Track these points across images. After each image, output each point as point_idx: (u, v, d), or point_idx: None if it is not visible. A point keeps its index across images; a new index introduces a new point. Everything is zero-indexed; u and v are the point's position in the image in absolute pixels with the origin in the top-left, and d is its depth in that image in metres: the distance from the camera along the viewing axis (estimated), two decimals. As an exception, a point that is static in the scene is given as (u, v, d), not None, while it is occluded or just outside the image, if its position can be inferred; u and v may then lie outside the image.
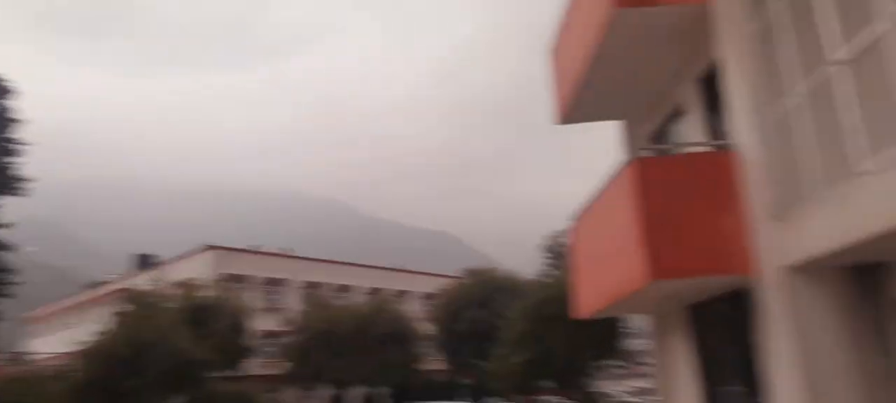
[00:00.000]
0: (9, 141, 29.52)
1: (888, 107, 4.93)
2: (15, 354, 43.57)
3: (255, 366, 34.09)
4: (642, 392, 31.53)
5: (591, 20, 8.61)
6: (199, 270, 35.83)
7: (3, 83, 29.89)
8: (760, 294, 6.73)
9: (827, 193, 5.70)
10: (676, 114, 9.72)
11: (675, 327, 9.78)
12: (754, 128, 6.73)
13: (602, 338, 23.41)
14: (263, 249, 45.62)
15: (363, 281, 46.87)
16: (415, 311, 43.38)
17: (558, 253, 26.31)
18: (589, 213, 9.19)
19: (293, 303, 40.57)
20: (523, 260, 36.23)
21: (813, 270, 6.18)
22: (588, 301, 9.58)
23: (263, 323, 35.71)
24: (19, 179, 29.48)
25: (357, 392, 37.47)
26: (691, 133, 9.11)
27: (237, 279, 38.61)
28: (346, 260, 49.35)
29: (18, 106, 30.18)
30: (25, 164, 29.93)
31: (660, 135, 10.42)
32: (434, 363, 38.94)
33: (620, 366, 32.01)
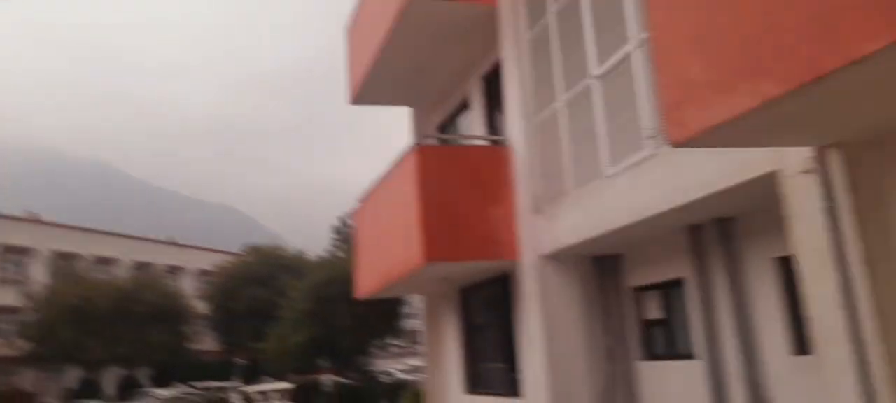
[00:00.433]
0: None
1: (630, 120, 5.71)
2: None
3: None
4: (416, 370, 33.03)
5: (387, 5, 8.72)
6: None
7: None
8: (519, 279, 7.42)
9: (578, 191, 6.45)
10: (463, 108, 10.27)
11: (447, 308, 10.39)
12: (525, 127, 7.38)
13: (384, 318, 24.04)
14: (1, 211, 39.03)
15: (129, 253, 42.42)
16: (189, 288, 40.43)
17: (346, 233, 26.40)
18: (373, 196, 9.34)
19: (38, 276, 35.38)
20: (313, 240, 35.73)
21: (561, 259, 6.98)
22: (369, 281, 9.76)
23: (-2, 297, 30.68)
24: None
25: (113, 374, 33.93)
26: (474, 126, 9.70)
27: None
28: (106, 230, 44.25)
29: None
30: None
31: (447, 126, 10.94)
32: (207, 343, 36.74)
33: (399, 345, 33.21)
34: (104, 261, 40.08)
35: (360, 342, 24.52)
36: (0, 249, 35.28)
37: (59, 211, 48.47)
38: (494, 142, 8.33)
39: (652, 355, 6.60)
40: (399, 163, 8.05)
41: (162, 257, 44.47)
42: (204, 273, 43.41)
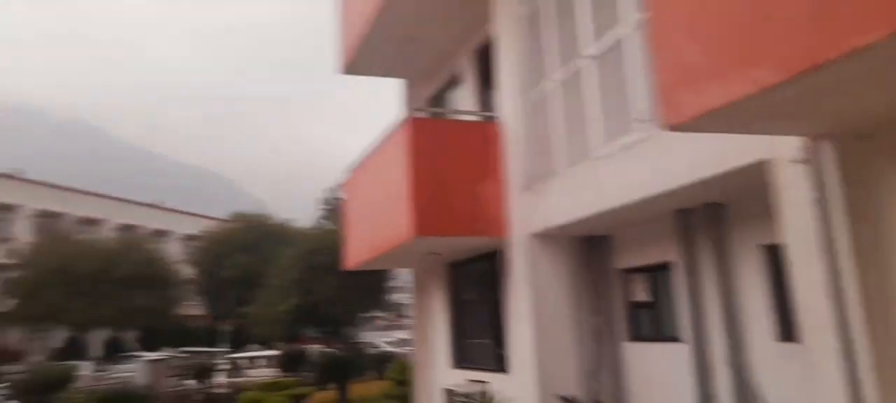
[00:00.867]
0: None
1: (622, 102, 5.68)
2: None
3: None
4: (403, 343, 33.29)
5: (381, -27, 8.57)
6: None
7: None
8: (508, 256, 7.43)
9: (569, 171, 6.44)
10: (454, 82, 10.18)
11: (435, 282, 10.41)
12: (517, 104, 7.32)
13: (370, 291, 24.12)
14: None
15: (114, 215, 42.16)
16: (175, 253, 40.28)
17: (334, 204, 26.32)
18: (364, 167, 9.27)
19: (23, 234, 35.08)
20: (300, 209, 35.57)
21: (551, 238, 6.98)
22: (357, 252, 9.74)
23: (-21, 255, 30.42)
24: None
25: (99, 336, 33.91)
26: (466, 101, 9.63)
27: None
28: (92, 190, 43.83)
29: None
30: None
31: (438, 99, 10.85)
32: (192, 308, 36.73)
33: (385, 318, 33.42)
34: (88, 222, 39.84)
35: (345, 312, 24.62)
36: (-19, 206, 34.93)
37: (42, 169, 47.78)
38: (486, 118, 8.27)
39: (638, 336, 6.66)
40: (390, 135, 7.98)
41: (147, 220, 44.24)
42: (190, 238, 43.25)
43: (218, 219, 43.47)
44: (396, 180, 7.60)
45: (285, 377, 21.99)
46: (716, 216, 5.57)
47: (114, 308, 30.18)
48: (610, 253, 6.98)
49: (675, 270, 6.06)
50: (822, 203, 3.70)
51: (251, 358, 28.01)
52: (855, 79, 2.69)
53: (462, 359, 9.42)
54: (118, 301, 30.23)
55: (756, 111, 3.03)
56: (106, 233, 38.55)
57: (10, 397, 18.55)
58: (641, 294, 6.66)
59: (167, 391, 20.87)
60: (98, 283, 29.66)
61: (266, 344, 30.43)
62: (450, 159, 7.54)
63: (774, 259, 4.89)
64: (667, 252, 6.13)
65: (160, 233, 43.77)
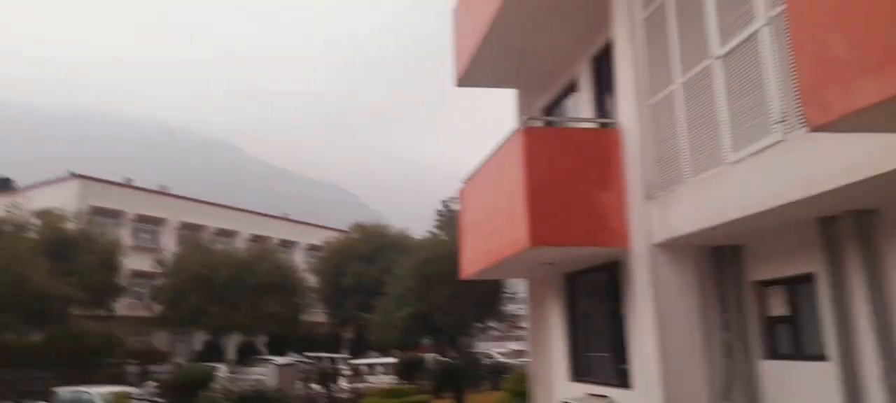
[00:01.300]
0: None
1: (754, 104, 5.33)
2: None
3: (122, 307, 32.29)
4: (517, 354, 33.07)
5: (496, -16, 8.62)
6: (62, 200, 33.05)
7: None
8: (629, 267, 7.17)
9: (695, 179, 6.12)
10: (570, 89, 10.03)
11: (551, 293, 10.27)
12: (637, 110, 7.07)
13: (484, 301, 24.21)
14: (137, 184, 42.80)
15: (246, 227, 45.33)
16: (299, 262, 42.64)
17: (449, 215, 26.73)
18: (479, 177, 9.35)
19: (168, 244, 38.58)
20: (415, 220, 36.51)
21: (676, 248, 6.66)
22: (472, 261, 9.82)
23: (134, 263, 33.76)
24: None
25: (233, 339, 36.53)
26: (582, 109, 9.45)
27: (106, 213, 36.06)
28: (228, 204, 47.43)
29: None
30: None
31: (553, 108, 10.74)
32: (316, 315, 38.65)
33: (499, 329, 33.37)
34: (224, 233, 43.07)
35: (458, 322, 24.87)
36: (135, 218, 38.78)
37: (184, 185, 52.36)
38: (604, 125, 8.07)
39: (776, 354, 6.18)
40: (505, 145, 7.99)
41: (275, 231, 47.13)
42: (313, 248, 45.60)
43: (339, 230, 45.52)
44: (512, 190, 7.58)
45: (403, 384, 22.56)
46: (865, 223, 5.08)
47: (247, 313, 32.40)
48: (742, 264, 6.55)
49: (819, 282, 5.58)
50: None
51: (370, 365, 28.99)
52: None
53: (581, 372, 9.20)
54: (251, 307, 32.43)
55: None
56: (240, 244, 41.52)
57: (158, 394, 20.42)
58: (779, 308, 6.18)
59: (296, 394, 22.06)
60: (233, 290, 31.98)
61: (383, 352, 31.39)
62: (566, 168, 7.42)
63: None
64: (808, 262, 5.65)
65: (287, 243, 46.50)
